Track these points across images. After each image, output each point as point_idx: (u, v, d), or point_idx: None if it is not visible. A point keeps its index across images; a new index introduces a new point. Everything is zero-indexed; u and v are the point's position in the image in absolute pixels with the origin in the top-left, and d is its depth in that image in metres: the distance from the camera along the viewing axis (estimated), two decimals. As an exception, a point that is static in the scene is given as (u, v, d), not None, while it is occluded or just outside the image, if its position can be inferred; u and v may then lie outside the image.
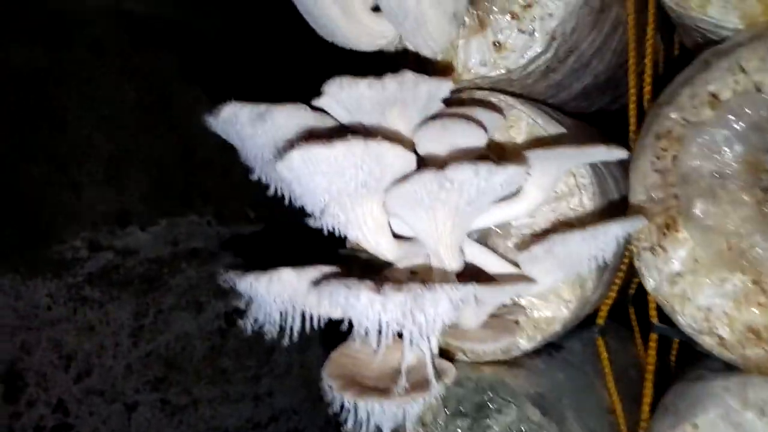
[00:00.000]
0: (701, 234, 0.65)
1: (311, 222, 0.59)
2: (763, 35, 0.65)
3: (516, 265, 0.71)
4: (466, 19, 0.79)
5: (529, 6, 0.78)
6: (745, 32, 0.68)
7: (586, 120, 1.16)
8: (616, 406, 0.92)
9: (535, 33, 0.78)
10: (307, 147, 0.54)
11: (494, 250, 0.75)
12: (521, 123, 0.78)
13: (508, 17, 0.78)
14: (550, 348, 0.92)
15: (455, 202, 0.57)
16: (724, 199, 0.64)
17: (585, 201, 0.75)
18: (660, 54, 0.99)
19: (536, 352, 0.86)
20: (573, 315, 0.78)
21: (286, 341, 0.70)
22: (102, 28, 1.32)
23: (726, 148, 0.64)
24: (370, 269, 0.71)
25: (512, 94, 0.87)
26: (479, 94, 0.81)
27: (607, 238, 0.60)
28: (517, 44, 0.79)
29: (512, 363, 0.83)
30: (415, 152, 0.69)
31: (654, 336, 0.89)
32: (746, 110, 0.62)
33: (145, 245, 1.43)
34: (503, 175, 0.56)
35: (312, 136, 0.59)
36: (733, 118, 0.63)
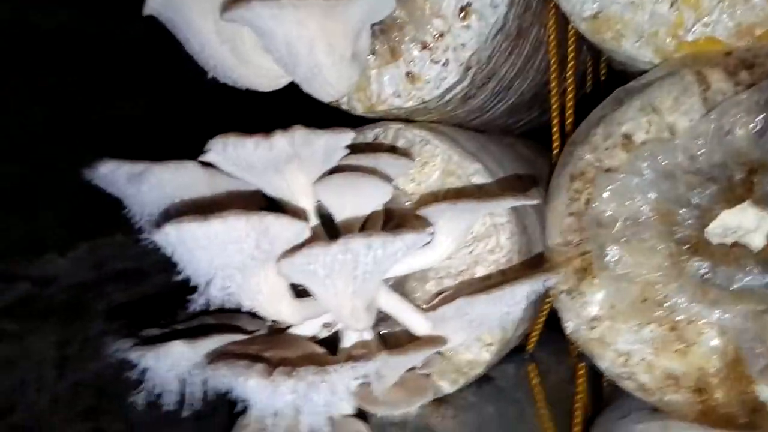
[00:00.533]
0: (615, 282, 0.63)
1: (195, 298, 0.54)
2: (677, 73, 0.62)
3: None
4: (378, 48, 0.74)
5: (440, 36, 0.74)
6: (659, 69, 0.65)
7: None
8: (548, 435, 0.91)
9: (449, 63, 0.74)
10: (181, 222, 0.49)
11: (411, 296, 0.72)
12: (436, 159, 0.75)
13: (419, 47, 0.74)
14: (480, 378, 0.90)
15: (352, 272, 0.53)
16: (638, 248, 0.62)
17: (503, 241, 0.72)
18: (588, 74, 0.96)
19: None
20: (495, 357, 0.76)
21: (186, 412, 0.66)
22: (3, 45, 1.22)
23: (639, 196, 0.61)
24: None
25: (431, 122, 0.84)
26: (393, 128, 0.77)
27: (515, 297, 0.58)
28: (431, 75, 0.75)
29: (439, 400, 0.81)
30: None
31: (582, 365, 0.88)
32: (659, 157, 0.60)
33: (66, 271, 1.35)
34: (399, 243, 0.52)
35: (194, 205, 0.54)
36: (645, 164, 0.61)
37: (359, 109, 0.78)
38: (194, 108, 1.55)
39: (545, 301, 0.87)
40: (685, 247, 0.62)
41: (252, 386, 0.50)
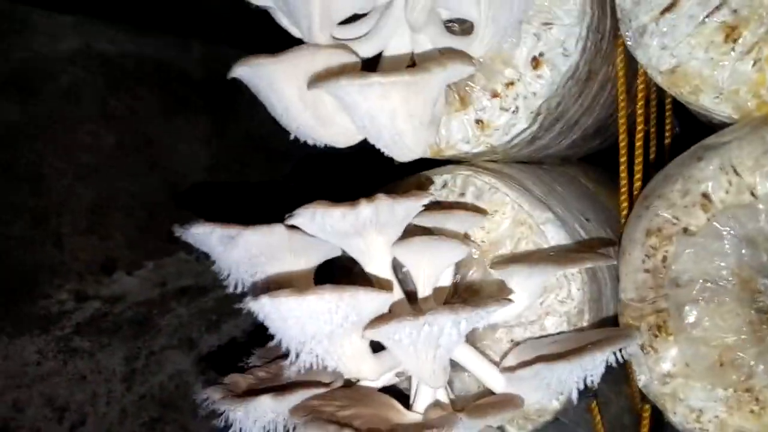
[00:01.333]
0: (691, 343, 0.63)
1: (288, 364, 0.56)
2: (757, 132, 0.62)
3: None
4: (448, 96, 0.75)
5: (511, 84, 0.74)
6: (739, 127, 0.64)
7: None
8: (610, 472, 0.92)
9: (519, 111, 0.75)
10: (278, 296, 0.51)
11: (478, 344, 0.73)
12: (505, 207, 0.75)
13: (489, 96, 0.75)
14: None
15: (436, 340, 0.54)
16: (716, 311, 0.62)
17: (573, 291, 0.72)
18: (653, 110, 0.95)
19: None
20: (564, 405, 0.77)
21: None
22: (74, 73, 1.27)
23: (719, 259, 0.61)
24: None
25: (495, 161, 0.84)
26: (462, 175, 0.77)
27: (595, 362, 0.58)
28: (500, 123, 0.76)
29: (504, 438, 0.82)
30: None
31: (647, 407, 0.88)
32: (740, 222, 0.60)
33: (133, 290, 1.40)
34: (483, 314, 0.53)
35: (284, 275, 0.57)
36: (726, 229, 0.60)
37: (427, 154, 0.79)
38: (251, 126, 1.59)
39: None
40: (767, 316, 0.61)
41: (341, 451, 0.52)
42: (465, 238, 0.71)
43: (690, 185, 0.64)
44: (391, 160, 0.73)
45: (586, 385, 0.94)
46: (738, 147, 0.62)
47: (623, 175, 0.77)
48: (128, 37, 1.35)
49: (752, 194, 0.61)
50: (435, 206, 0.70)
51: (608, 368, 1.12)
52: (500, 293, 0.62)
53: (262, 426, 0.64)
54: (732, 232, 0.60)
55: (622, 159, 0.78)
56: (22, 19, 1.20)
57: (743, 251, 0.60)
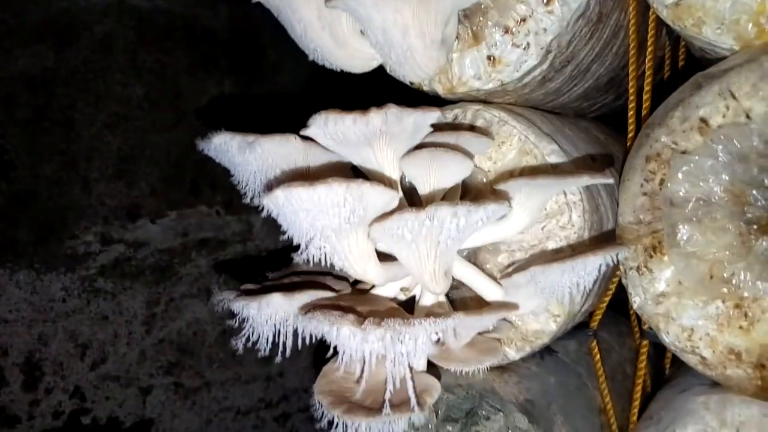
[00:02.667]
0: (684, 260, 0.66)
1: (297, 255, 0.60)
2: (756, 59, 0.64)
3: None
4: (461, 32, 0.78)
5: (523, 21, 0.77)
6: (739, 55, 0.67)
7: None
8: (608, 409, 0.95)
9: (530, 47, 0.78)
10: (290, 187, 0.55)
11: (482, 267, 0.76)
12: (513, 139, 0.79)
13: (501, 32, 0.78)
14: (543, 350, 0.94)
15: (436, 237, 0.58)
16: (708, 227, 0.65)
17: (574, 218, 0.75)
18: (666, 59, 0.97)
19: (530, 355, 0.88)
20: (561, 328, 0.80)
21: (279, 357, 0.73)
22: (108, 25, 1.33)
23: (712, 177, 0.64)
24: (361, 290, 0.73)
25: (508, 104, 0.88)
26: (472, 109, 0.81)
27: (587, 268, 0.61)
28: (511, 58, 0.79)
29: (504, 368, 0.85)
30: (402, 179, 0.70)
31: (645, 343, 0.91)
32: (734, 140, 0.62)
33: (156, 237, 1.46)
34: (482, 213, 0.57)
35: (297, 174, 0.61)
36: (720, 147, 0.63)
37: (440, 91, 0.82)
38: (274, 87, 1.63)
39: (611, 281, 0.90)
40: (755, 227, 0.64)
41: (344, 333, 0.56)
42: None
43: (689, 111, 0.67)
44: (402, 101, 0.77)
45: (586, 325, 0.98)
46: (737, 74, 0.64)
47: (632, 105, 0.80)
48: (158, -8, 1.40)
49: (747, 116, 0.63)
50: (446, 130, 0.73)
51: (613, 320, 1.15)
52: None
53: (273, 325, 0.68)
54: (726, 150, 0.63)
55: (632, 90, 0.80)
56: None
57: (735, 167, 0.63)
